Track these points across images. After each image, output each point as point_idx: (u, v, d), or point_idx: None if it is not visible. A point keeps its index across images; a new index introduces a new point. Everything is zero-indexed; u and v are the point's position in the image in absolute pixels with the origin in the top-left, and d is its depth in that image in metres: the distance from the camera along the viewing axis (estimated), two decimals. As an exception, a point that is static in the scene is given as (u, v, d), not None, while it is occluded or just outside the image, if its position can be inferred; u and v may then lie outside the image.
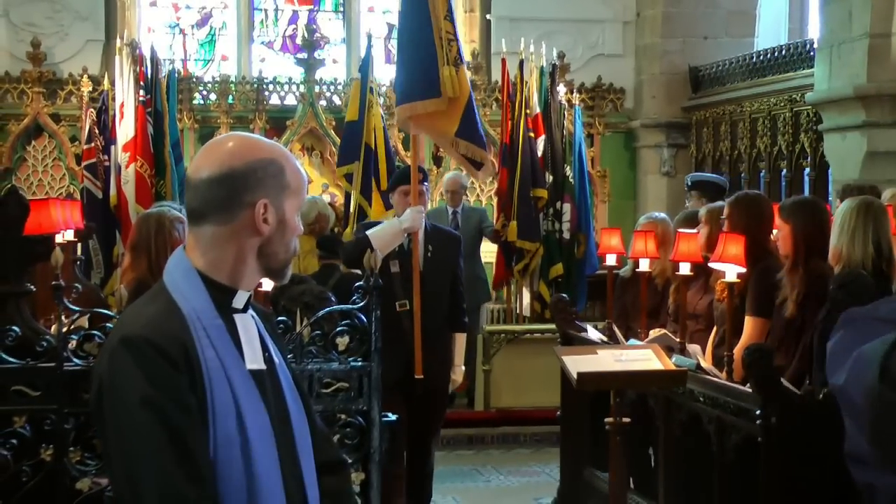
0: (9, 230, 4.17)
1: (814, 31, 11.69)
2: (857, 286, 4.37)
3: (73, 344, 3.94)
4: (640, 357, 4.97)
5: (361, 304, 4.13)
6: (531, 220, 9.68)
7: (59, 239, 6.09)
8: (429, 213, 6.21)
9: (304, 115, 11.42)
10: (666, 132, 12.51)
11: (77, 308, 4.05)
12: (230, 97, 11.66)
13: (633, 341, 5.83)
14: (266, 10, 12.79)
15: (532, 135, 9.78)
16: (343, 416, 4.15)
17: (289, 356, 2.76)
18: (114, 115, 9.59)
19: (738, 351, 5.04)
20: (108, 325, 3.91)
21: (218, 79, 11.82)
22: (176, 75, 10.39)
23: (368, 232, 5.98)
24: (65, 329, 3.95)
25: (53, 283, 3.95)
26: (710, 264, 5.34)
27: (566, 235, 9.91)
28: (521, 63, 9.97)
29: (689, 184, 8.36)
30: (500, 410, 9.35)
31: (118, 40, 10.05)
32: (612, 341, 6.13)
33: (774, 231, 5.43)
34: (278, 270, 2.36)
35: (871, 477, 2.96)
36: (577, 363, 4.87)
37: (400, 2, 6.40)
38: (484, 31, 12.53)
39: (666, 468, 5.54)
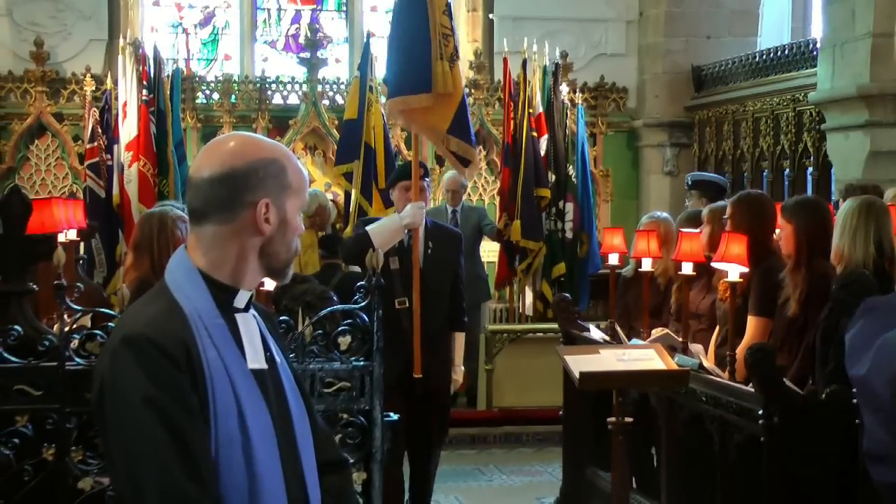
0: (11, 229, 4.17)
1: (817, 30, 11.69)
2: (859, 286, 4.36)
3: (75, 343, 3.94)
4: (643, 357, 4.97)
5: (363, 303, 4.13)
6: (534, 220, 9.68)
7: (61, 238, 6.08)
8: (428, 212, 6.16)
9: (307, 115, 11.42)
10: (669, 132, 12.51)
11: (79, 307, 4.05)
12: (233, 96, 11.67)
13: (635, 341, 5.83)
14: (269, 10, 12.80)
15: (535, 134, 9.79)
16: (345, 416, 4.14)
17: (291, 355, 2.75)
18: (117, 115, 9.61)
19: (740, 351, 5.04)
20: (110, 324, 3.91)
21: (221, 78, 11.83)
22: (180, 75, 10.40)
23: (368, 228, 5.91)
24: (67, 328, 3.95)
25: (56, 282, 3.95)
26: (713, 264, 5.33)
27: (569, 235, 9.91)
28: (524, 62, 9.98)
29: (689, 183, 8.35)
30: (502, 410, 9.35)
31: (121, 39, 10.06)
32: (615, 341, 6.13)
33: (777, 231, 5.42)
34: (280, 270, 2.36)
35: (894, 476, 2.88)
36: (580, 363, 4.87)
37: None
38: (487, 30, 12.53)
39: (668, 468, 5.54)
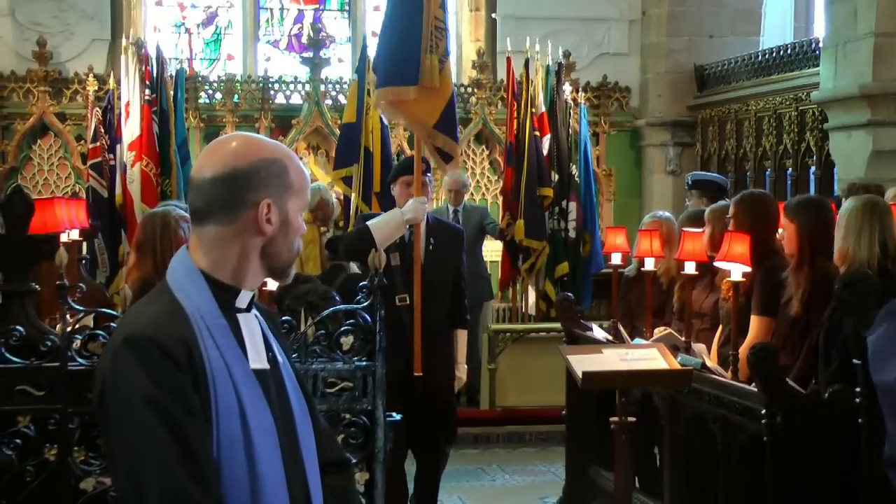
0: (14, 229, 4.17)
1: (819, 29, 11.68)
2: (862, 285, 4.36)
3: (77, 343, 3.94)
4: (646, 356, 4.97)
5: (366, 303, 4.13)
6: (538, 219, 9.68)
7: (64, 238, 6.09)
8: (430, 211, 6.14)
9: (310, 115, 11.43)
10: (671, 131, 12.51)
11: (81, 308, 4.05)
12: (235, 96, 11.68)
13: (638, 340, 5.83)
14: (272, 10, 12.80)
15: (538, 134, 9.79)
16: (347, 416, 4.14)
17: (293, 356, 2.75)
18: (119, 115, 9.61)
19: (743, 350, 5.03)
20: (112, 324, 3.91)
21: (223, 78, 11.84)
22: (184, 74, 10.41)
23: (369, 223, 5.82)
24: (69, 328, 3.95)
25: (58, 282, 3.95)
26: (716, 263, 5.33)
27: (572, 234, 9.92)
28: (527, 62, 9.98)
29: (690, 183, 8.34)
30: (505, 409, 9.35)
31: (124, 39, 10.06)
32: (618, 340, 6.12)
33: (780, 230, 5.42)
34: (281, 270, 2.36)
35: None
36: (583, 362, 4.86)
37: None
38: (489, 29, 12.53)
39: (671, 467, 5.54)
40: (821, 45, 9.36)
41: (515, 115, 9.89)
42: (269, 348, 2.35)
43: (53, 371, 3.90)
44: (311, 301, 4.57)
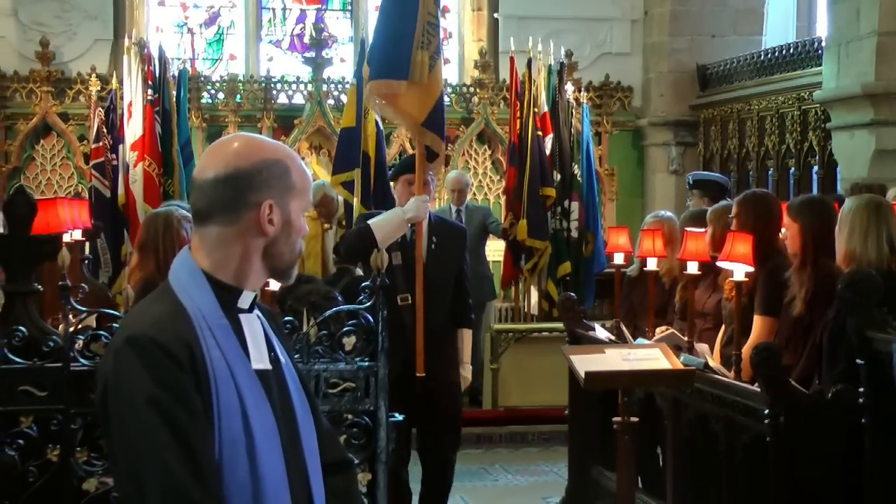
0: (16, 229, 4.17)
1: (822, 29, 11.66)
2: (866, 285, 4.36)
3: (79, 344, 3.94)
4: (648, 356, 4.96)
5: (368, 303, 4.12)
6: (540, 219, 9.68)
7: (66, 238, 6.09)
8: (432, 211, 6.09)
9: (312, 114, 11.43)
10: (674, 130, 12.50)
11: (84, 308, 4.05)
12: (238, 96, 11.68)
13: (640, 340, 5.82)
14: (274, 10, 12.80)
15: (540, 133, 9.79)
16: (349, 417, 4.14)
17: (295, 356, 2.75)
18: (122, 115, 9.62)
19: (746, 350, 5.03)
20: (114, 325, 3.91)
21: (226, 78, 11.84)
22: (187, 74, 10.41)
23: (370, 222, 5.72)
24: (71, 329, 3.95)
25: (60, 283, 3.95)
26: (719, 263, 5.33)
27: (574, 234, 9.91)
28: (529, 61, 9.97)
29: (691, 183, 8.33)
30: (508, 409, 9.35)
31: (126, 39, 10.08)
32: (620, 340, 6.12)
33: (783, 230, 5.42)
34: (284, 271, 2.35)
35: None
36: (585, 362, 4.86)
37: None
38: (492, 29, 12.52)
39: (674, 467, 5.54)
40: (823, 44, 9.35)
41: (518, 114, 9.89)
42: (271, 349, 2.35)
43: (56, 372, 3.90)
44: (313, 301, 4.57)
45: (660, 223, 6.60)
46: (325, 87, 11.60)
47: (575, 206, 9.92)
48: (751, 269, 5.11)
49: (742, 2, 12.50)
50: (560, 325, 7.39)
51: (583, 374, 4.74)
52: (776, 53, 10.95)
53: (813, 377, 4.80)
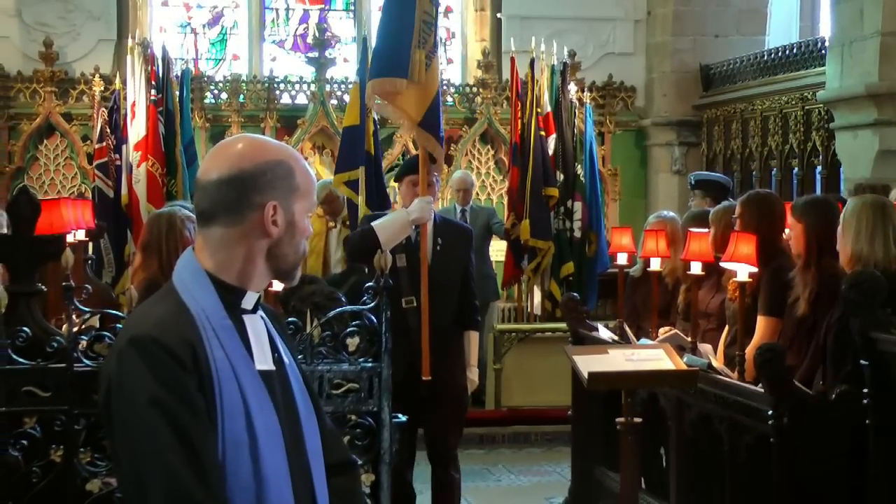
0: (20, 230, 4.17)
1: (825, 29, 11.66)
2: (869, 286, 4.35)
3: (83, 344, 3.94)
4: (652, 357, 4.96)
5: (372, 304, 4.12)
6: (543, 219, 9.67)
7: (70, 238, 6.09)
8: (437, 211, 6.05)
9: (315, 114, 11.43)
10: (677, 130, 12.49)
11: (87, 309, 4.05)
12: (241, 96, 11.68)
13: (644, 340, 5.82)
14: (277, 10, 12.80)
15: (543, 133, 9.78)
16: (353, 417, 4.14)
17: (299, 357, 2.75)
18: (125, 115, 9.62)
19: (749, 350, 5.03)
20: (118, 325, 3.91)
21: (229, 78, 11.84)
22: (190, 75, 10.41)
23: (374, 223, 5.67)
24: (75, 329, 3.95)
25: (64, 283, 3.95)
26: (722, 264, 5.32)
27: (577, 234, 9.91)
28: (532, 62, 9.97)
29: (693, 183, 8.33)
30: (511, 410, 9.35)
31: (130, 40, 10.07)
32: (623, 341, 6.12)
33: (787, 230, 5.41)
34: (287, 272, 2.35)
35: None
36: (588, 363, 4.86)
37: None
38: (495, 29, 12.52)
39: (677, 468, 5.53)
40: (827, 44, 9.34)
41: (520, 114, 9.88)
42: (274, 349, 2.35)
43: (59, 372, 3.90)
44: (316, 302, 4.56)
45: (663, 223, 6.60)
46: (328, 88, 11.59)
47: (578, 206, 9.92)
48: (754, 269, 5.11)
49: (745, 2, 12.49)
50: (563, 325, 7.39)
51: (586, 375, 4.74)
52: (779, 53, 10.94)
53: (817, 378, 4.80)
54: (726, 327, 5.71)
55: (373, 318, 4.12)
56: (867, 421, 4.35)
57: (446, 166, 11.34)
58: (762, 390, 4.59)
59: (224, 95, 11.70)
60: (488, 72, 12.00)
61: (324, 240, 8.99)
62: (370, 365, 4.14)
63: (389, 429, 4.14)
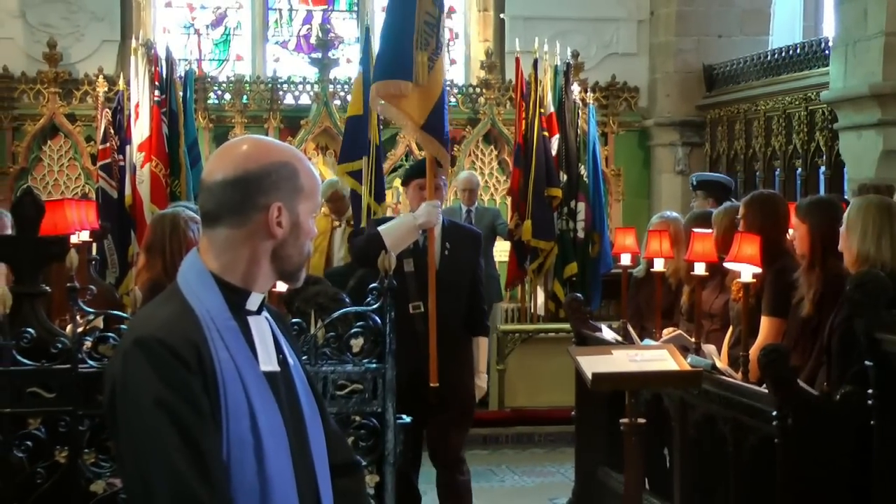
0: (24, 231, 4.18)
1: (829, 29, 11.66)
2: (874, 286, 4.35)
3: (87, 345, 3.94)
4: (656, 357, 4.96)
5: (376, 305, 4.12)
6: (546, 220, 9.67)
7: (74, 239, 6.09)
8: (442, 211, 6.00)
9: (319, 115, 11.43)
10: (680, 131, 12.49)
11: (92, 310, 4.06)
12: (244, 97, 11.69)
13: (647, 341, 5.82)
14: (280, 10, 12.81)
15: (546, 134, 9.77)
16: (357, 418, 4.14)
17: (303, 358, 2.75)
18: (129, 115, 9.62)
19: (754, 351, 5.02)
20: (122, 326, 3.91)
21: (232, 78, 11.85)
22: (193, 75, 10.42)
23: (380, 228, 5.59)
24: (80, 330, 3.95)
25: (68, 284, 3.95)
26: (726, 264, 5.32)
27: (580, 234, 9.90)
28: (535, 62, 9.96)
29: (695, 184, 8.33)
30: (514, 410, 9.35)
31: (133, 41, 10.09)
32: (627, 341, 6.11)
33: (790, 231, 5.41)
34: (292, 273, 2.36)
35: None
36: (592, 363, 4.86)
37: None
38: (498, 30, 12.52)
39: (681, 469, 5.53)
40: (830, 44, 9.33)
41: (524, 115, 9.87)
42: (279, 350, 2.35)
43: (64, 373, 3.90)
44: (320, 303, 4.56)
45: (666, 224, 6.60)
46: (331, 88, 11.60)
47: (581, 206, 9.91)
48: (758, 270, 5.11)
49: (748, 2, 12.49)
50: (566, 325, 7.39)
51: (590, 375, 4.74)
52: (783, 54, 10.94)
53: (820, 378, 4.80)
54: (730, 328, 5.71)
55: (377, 318, 4.12)
56: (871, 422, 4.35)
57: (450, 167, 11.34)
58: (766, 391, 4.59)
59: (227, 96, 11.70)
60: (491, 72, 12.00)
61: (328, 238, 8.99)
62: (374, 366, 4.14)
63: (393, 430, 4.14)
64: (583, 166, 9.99)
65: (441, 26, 5.93)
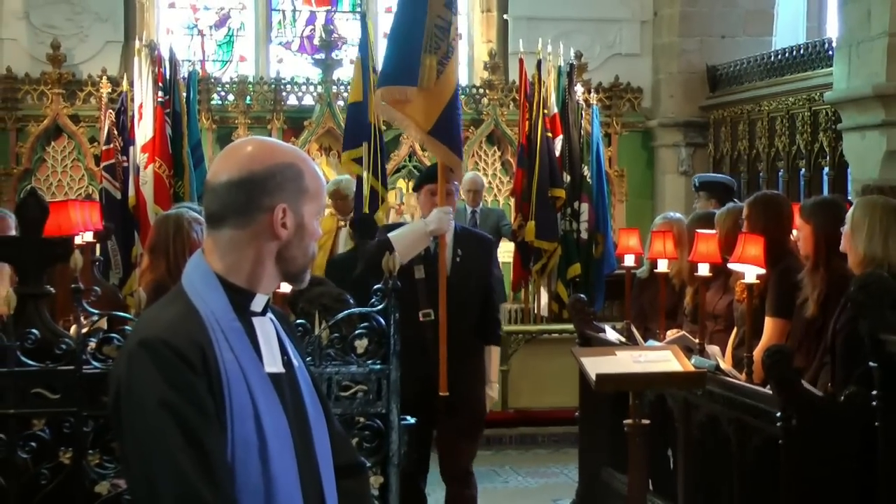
0: (28, 232, 4.18)
1: (832, 29, 11.63)
2: (878, 287, 4.35)
3: (92, 346, 3.95)
4: (659, 358, 4.96)
5: (380, 306, 4.12)
6: (549, 221, 9.67)
7: (78, 240, 6.10)
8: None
9: (322, 116, 11.43)
10: (683, 131, 12.47)
11: (96, 311, 4.06)
12: (248, 98, 11.68)
13: (651, 342, 5.82)
14: (284, 11, 12.80)
15: (550, 135, 9.78)
16: (361, 420, 4.14)
17: (307, 359, 2.75)
18: (132, 116, 9.63)
19: (758, 352, 5.02)
20: (126, 327, 3.91)
21: (236, 79, 11.84)
22: (196, 76, 10.42)
23: (390, 235, 5.50)
24: (84, 331, 3.96)
25: (72, 285, 3.96)
26: (730, 265, 5.32)
27: (584, 235, 9.90)
28: (539, 63, 9.97)
29: (697, 185, 8.32)
30: (518, 411, 9.35)
31: (137, 41, 10.09)
32: (631, 342, 6.11)
33: (794, 231, 5.41)
34: (296, 275, 2.36)
35: None
36: (596, 364, 4.86)
37: None
38: (501, 30, 12.51)
39: (685, 470, 5.53)
40: (834, 45, 9.32)
41: (527, 116, 9.88)
42: (284, 352, 2.35)
43: (68, 374, 3.90)
44: (324, 304, 4.56)
45: (669, 225, 6.59)
46: (334, 89, 11.59)
47: (585, 207, 9.91)
48: (762, 270, 5.11)
49: (752, 2, 12.47)
50: (570, 326, 7.39)
51: (594, 376, 4.74)
52: (786, 54, 10.93)
53: (826, 380, 4.79)
54: (734, 329, 5.71)
55: (381, 320, 4.11)
56: (876, 423, 4.35)
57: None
58: (770, 392, 4.59)
59: (231, 97, 11.69)
60: (495, 73, 11.99)
61: (332, 238, 8.99)
62: (378, 367, 4.14)
63: (398, 431, 4.14)
64: (586, 167, 9.99)
65: (453, 31, 5.83)
